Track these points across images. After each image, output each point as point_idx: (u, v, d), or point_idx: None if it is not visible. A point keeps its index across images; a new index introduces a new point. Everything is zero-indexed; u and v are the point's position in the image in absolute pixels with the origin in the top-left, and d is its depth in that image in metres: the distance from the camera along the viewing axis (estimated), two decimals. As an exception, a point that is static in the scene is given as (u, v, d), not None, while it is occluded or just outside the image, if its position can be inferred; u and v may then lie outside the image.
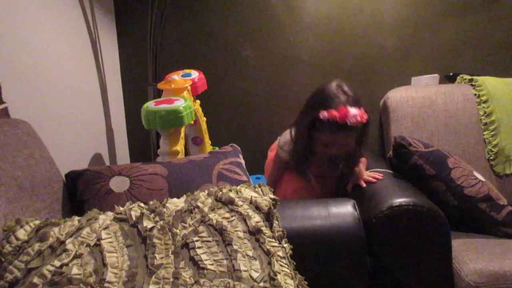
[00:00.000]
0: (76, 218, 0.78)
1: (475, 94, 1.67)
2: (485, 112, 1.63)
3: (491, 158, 1.59)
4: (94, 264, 0.68)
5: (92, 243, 0.71)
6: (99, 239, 0.72)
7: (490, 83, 1.67)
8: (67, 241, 0.71)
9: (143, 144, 2.05)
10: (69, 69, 1.57)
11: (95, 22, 1.79)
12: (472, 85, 1.71)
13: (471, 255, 1.14)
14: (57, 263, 0.68)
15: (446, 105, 1.67)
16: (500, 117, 1.60)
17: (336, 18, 1.96)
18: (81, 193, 0.97)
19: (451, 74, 1.86)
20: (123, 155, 2.06)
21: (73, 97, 1.59)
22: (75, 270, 0.67)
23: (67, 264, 0.68)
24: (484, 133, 1.62)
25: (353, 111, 1.22)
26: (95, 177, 0.97)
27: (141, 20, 1.91)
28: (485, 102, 1.64)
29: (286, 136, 1.46)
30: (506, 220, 1.24)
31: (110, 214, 0.78)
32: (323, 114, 1.24)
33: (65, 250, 0.70)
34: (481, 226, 1.28)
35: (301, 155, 1.40)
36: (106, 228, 0.74)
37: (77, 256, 0.69)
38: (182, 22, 2.02)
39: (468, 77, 1.75)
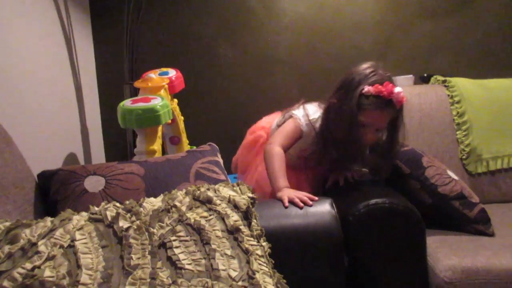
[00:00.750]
0: (49, 219, 0.75)
1: (448, 95, 1.71)
2: (458, 113, 1.67)
3: (463, 157, 1.63)
4: (68, 266, 0.66)
5: (65, 245, 0.69)
6: (73, 240, 0.70)
7: (462, 84, 1.71)
8: (39, 243, 0.69)
9: (119, 143, 2.01)
10: (43, 66, 1.53)
11: (69, 20, 1.75)
12: (445, 86, 1.75)
13: (445, 252, 1.17)
14: (28, 265, 0.65)
15: (420, 105, 1.70)
16: (472, 117, 1.64)
17: (313, 18, 1.97)
18: (54, 193, 0.94)
19: (425, 75, 1.90)
20: (98, 155, 2.02)
21: (46, 96, 1.55)
22: (47, 273, 0.65)
23: (39, 267, 0.65)
24: (457, 133, 1.66)
25: (397, 87, 1.19)
26: (69, 177, 0.95)
27: (117, 18, 1.88)
28: (458, 102, 1.68)
29: (312, 109, 1.35)
30: (478, 218, 1.27)
31: (84, 214, 0.76)
32: (369, 88, 1.18)
33: (37, 252, 0.67)
34: (454, 223, 1.31)
35: (336, 142, 1.26)
36: (81, 228, 0.72)
37: (50, 258, 0.67)
38: (159, 20, 2.00)
39: (442, 78, 1.79)
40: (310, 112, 1.33)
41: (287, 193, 1.11)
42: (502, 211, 1.46)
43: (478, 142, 1.62)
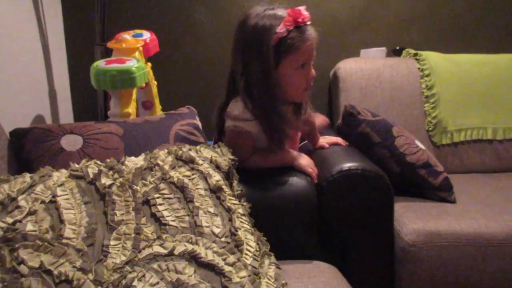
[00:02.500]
0: (28, 174, 0.74)
1: (419, 68, 1.76)
2: (427, 86, 1.72)
3: (430, 129, 1.70)
4: (50, 220, 0.66)
5: (47, 200, 0.69)
6: (54, 196, 0.70)
7: (432, 58, 1.76)
8: (19, 198, 0.68)
9: (89, 106, 1.96)
10: (7, 25, 1.45)
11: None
12: (416, 59, 1.80)
13: (410, 217, 1.24)
14: (9, 219, 0.65)
15: (392, 77, 1.75)
16: (441, 90, 1.70)
17: (289, -14, 1.96)
18: (28, 151, 0.92)
19: (397, 48, 1.94)
20: (67, 118, 1.96)
21: (11, 56, 1.48)
22: (29, 227, 0.64)
23: (20, 221, 0.65)
24: (425, 105, 1.72)
25: (300, 8, 1.05)
26: (45, 135, 0.93)
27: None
28: (427, 76, 1.73)
29: (236, 105, 1.12)
30: (442, 185, 1.34)
31: (64, 171, 0.75)
32: (281, 28, 1.01)
33: (18, 207, 0.67)
34: (420, 191, 1.38)
35: (273, 107, 1.08)
36: (62, 185, 0.71)
37: (31, 213, 0.66)
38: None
39: (413, 51, 1.84)
40: (237, 112, 1.11)
41: (306, 163, 1.12)
42: (463, 181, 1.54)
43: (444, 114, 1.69)
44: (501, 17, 1.96)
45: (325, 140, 1.37)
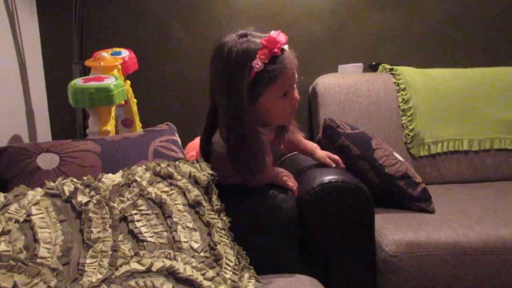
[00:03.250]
0: (1, 194, 0.73)
1: (395, 83, 1.80)
2: (403, 99, 1.76)
3: (407, 141, 1.73)
4: (25, 240, 0.64)
5: (21, 219, 0.67)
6: (29, 215, 0.68)
7: (408, 72, 1.81)
8: (-8, 218, 0.67)
9: (67, 125, 1.93)
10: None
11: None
12: (392, 74, 1.84)
13: (390, 227, 1.25)
14: (-19, 240, 0.63)
15: (369, 92, 1.78)
16: (417, 104, 1.74)
17: (268, 3, 1.99)
18: (3, 171, 0.90)
19: (373, 63, 1.99)
20: (45, 137, 1.94)
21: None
22: (3, 247, 0.63)
23: (-7, 241, 0.63)
24: (402, 118, 1.75)
25: (275, 32, 1.01)
26: (20, 154, 0.91)
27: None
28: (403, 90, 1.77)
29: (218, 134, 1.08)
30: (420, 196, 1.37)
31: (39, 190, 0.74)
32: (262, 54, 0.96)
33: (-9, 227, 0.65)
34: (399, 202, 1.40)
35: (245, 145, 1.02)
36: (37, 203, 0.70)
37: (5, 232, 0.65)
38: (110, -3, 1.94)
39: (389, 66, 1.88)
40: (219, 141, 1.07)
41: (286, 178, 1.11)
42: (441, 191, 1.57)
43: (421, 127, 1.73)
44: (473, 33, 2.03)
45: (326, 157, 1.30)
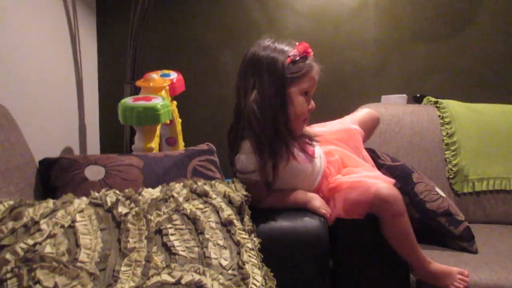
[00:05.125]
0: (51, 200, 0.78)
1: (439, 116, 1.77)
2: (447, 133, 1.72)
3: (450, 176, 1.68)
4: (68, 244, 0.69)
5: (66, 225, 0.72)
6: (73, 221, 0.73)
7: (453, 106, 1.77)
8: (41, 222, 0.72)
9: (115, 141, 2.04)
10: (48, 60, 1.57)
11: (76, 17, 1.79)
12: (437, 107, 1.81)
13: (427, 264, 1.21)
14: (30, 241, 0.68)
15: (412, 123, 1.76)
16: (461, 138, 1.70)
17: (314, 33, 2.04)
18: (54, 180, 0.97)
19: (418, 95, 1.96)
20: (94, 151, 2.05)
21: (49, 88, 1.58)
22: (48, 249, 0.68)
23: (40, 243, 0.69)
24: (446, 152, 1.71)
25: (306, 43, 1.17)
26: (70, 165, 0.98)
27: (122, 18, 1.92)
28: (448, 123, 1.74)
29: (240, 158, 1.14)
30: (463, 235, 1.32)
31: (85, 199, 0.80)
32: (294, 53, 1.13)
33: (39, 230, 0.71)
34: (440, 239, 1.36)
35: (280, 142, 1.11)
36: (81, 211, 0.75)
37: (51, 236, 0.70)
38: (164, 23, 2.05)
39: (434, 99, 1.85)
40: (239, 166, 1.14)
41: (319, 204, 1.14)
42: (485, 231, 1.51)
43: (466, 163, 1.68)
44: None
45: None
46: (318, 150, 1.28)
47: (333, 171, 1.26)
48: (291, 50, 1.14)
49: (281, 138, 1.12)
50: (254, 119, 1.09)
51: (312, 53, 1.19)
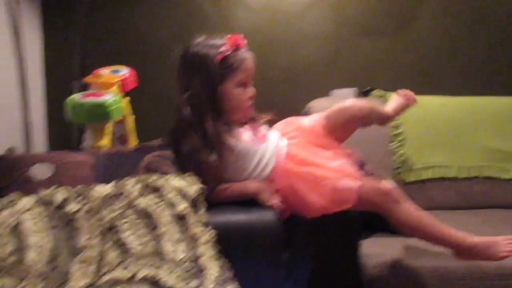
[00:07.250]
0: (-5, 200, 0.75)
1: (386, 108, 1.85)
2: (393, 125, 1.80)
3: (397, 166, 1.76)
4: (15, 244, 0.67)
5: (13, 224, 0.70)
6: (20, 220, 0.71)
7: (399, 99, 1.85)
8: (-16, 222, 0.69)
9: (64, 140, 1.97)
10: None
11: (18, 10, 1.71)
12: (383, 100, 1.88)
13: (376, 250, 1.28)
14: (-27, 243, 0.65)
15: (360, 116, 1.82)
16: (407, 129, 1.78)
17: (265, 29, 2.06)
18: (-2, 179, 0.93)
19: (368, 88, 2.03)
20: (41, 150, 1.97)
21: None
22: (-7, 250, 0.65)
23: (-16, 245, 0.66)
24: (392, 143, 1.79)
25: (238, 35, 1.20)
26: (15, 163, 0.94)
27: (70, 12, 1.86)
28: (394, 116, 1.81)
29: (188, 140, 1.16)
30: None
31: (33, 197, 0.77)
32: (226, 47, 1.16)
33: (-17, 231, 0.68)
34: (390, 228, 1.42)
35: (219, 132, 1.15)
36: (29, 210, 0.73)
37: (-4, 236, 0.67)
38: (113, 17, 2.00)
39: (381, 92, 1.93)
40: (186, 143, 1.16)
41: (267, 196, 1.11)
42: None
43: (411, 153, 1.76)
44: (463, 62, 2.09)
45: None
46: (273, 135, 1.28)
47: (300, 151, 1.25)
48: (222, 44, 1.16)
49: (214, 135, 1.14)
50: (185, 122, 1.18)
51: (243, 43, 1.20)
